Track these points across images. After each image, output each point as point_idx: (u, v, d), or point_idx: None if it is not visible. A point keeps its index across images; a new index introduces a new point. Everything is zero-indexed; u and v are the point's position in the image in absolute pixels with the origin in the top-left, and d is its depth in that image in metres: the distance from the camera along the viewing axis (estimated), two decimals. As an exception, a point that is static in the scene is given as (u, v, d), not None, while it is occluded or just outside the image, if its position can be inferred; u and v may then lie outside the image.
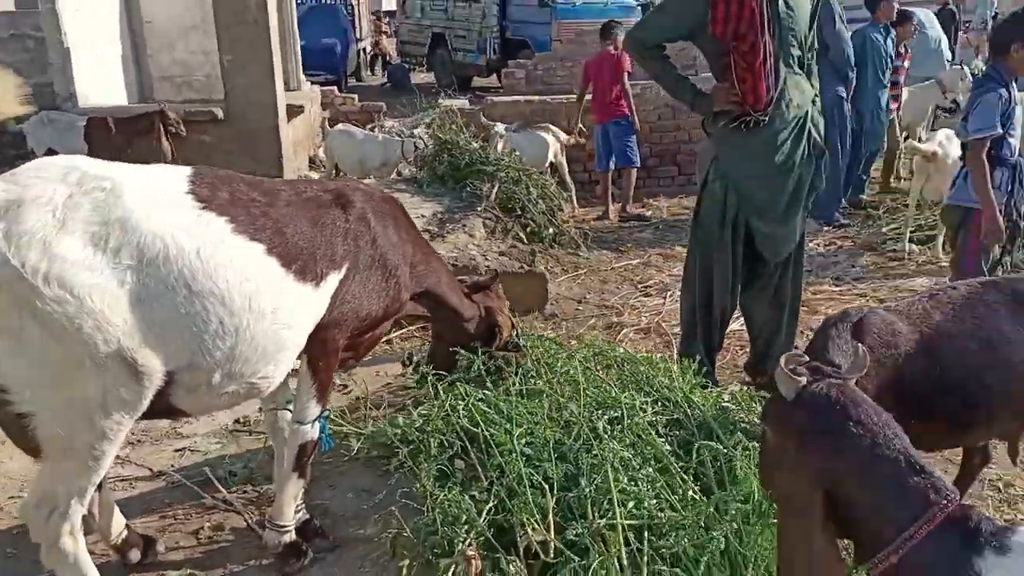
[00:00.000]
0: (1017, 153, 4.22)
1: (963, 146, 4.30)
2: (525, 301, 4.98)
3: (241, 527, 2.62)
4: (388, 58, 19.81)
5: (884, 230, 6.85)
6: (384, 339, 4.19)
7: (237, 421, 3.26)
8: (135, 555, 2.42)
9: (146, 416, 2.06)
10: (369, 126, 9.21)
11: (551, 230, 6.57)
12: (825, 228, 7.06)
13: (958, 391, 2.63)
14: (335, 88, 11.41)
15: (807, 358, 1.79)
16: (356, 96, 11.12)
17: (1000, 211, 4.02)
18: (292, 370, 2.35)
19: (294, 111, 7.99)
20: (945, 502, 1.52)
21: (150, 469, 2.96)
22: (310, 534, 2.50)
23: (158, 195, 2.00)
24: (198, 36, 8.87)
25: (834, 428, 1.61)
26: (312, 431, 2.40)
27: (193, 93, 9.02)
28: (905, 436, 1.70)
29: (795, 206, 3.79)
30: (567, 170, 7.92)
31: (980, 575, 1.44)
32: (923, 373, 2.62)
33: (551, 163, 7.75)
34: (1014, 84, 4.07)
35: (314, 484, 2.64)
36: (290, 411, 2.46)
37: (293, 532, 2.45)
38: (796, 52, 3.61)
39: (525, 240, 6.35)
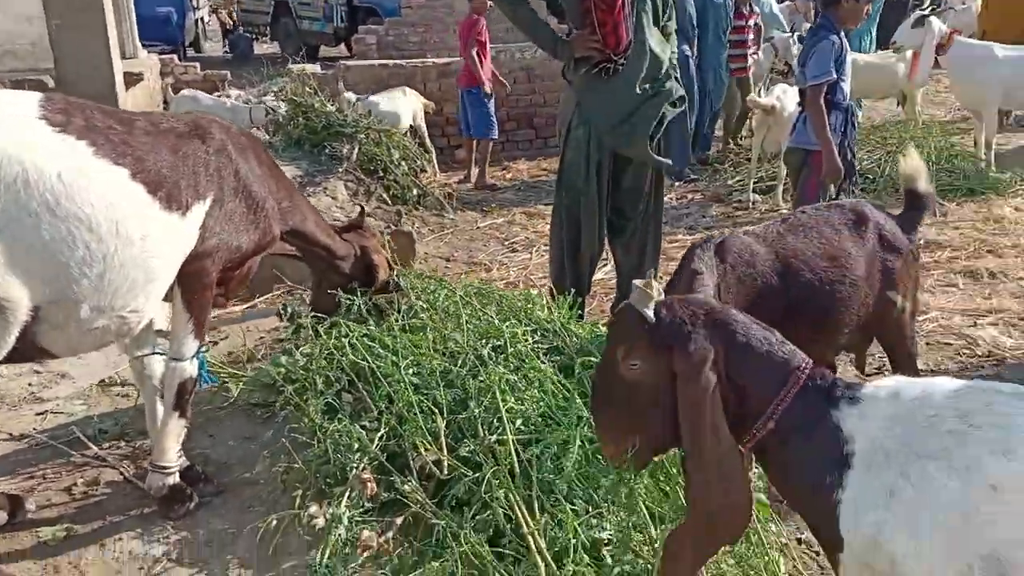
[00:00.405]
0: (848, 98, 4.56)
1: (801, 92, 4.60)
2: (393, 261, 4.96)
3: (117, 481, 2.49)
4: (229, 27, 18.89)
5: (730, 182, 7.25)
6: (248, 304, 4.07)
7: (103, 382, 3.09)
8: (1, 517, 2.26)
9: (9, 359, 1.92)
10: (216, 94, 8.81)
11: (415, 191, 6.55)
12: (676, 183, 7.37)
13: (811, 304, 2.85)
14: (174, 57, 10.83)
15: (656, 284, 1.85)
16: (198, 65, 10.60)
17: (836, 152, 4.35)
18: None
19: (132, 79, 7.55)
20: (804, 365, 1.66)
21: (10, 433, 2.76)
22: (194, 480, 2.42)
23: (9, 120, 1.87)
24: (20, 0, 8.18)
25: (708, 325, 1.69)
26: (191, 368, 2.32)
27: (17, 62, 8.33)
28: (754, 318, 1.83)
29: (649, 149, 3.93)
30: (427, 133, 7.89)
31: (838, 424, 1.59)
32: (780, 289, 2.82)
33: (411, 126, 7.69)
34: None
35: (192, 434, 2.55)
36: (160, 354, 2.36)
37: (177, 475, 2.36)
38: (650, 6, 3.74)
39: (389, 202, 6.29)
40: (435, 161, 7.86)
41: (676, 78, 3.91)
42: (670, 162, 4.07)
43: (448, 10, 10.60)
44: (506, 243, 6.09)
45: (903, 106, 8.44)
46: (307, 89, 7.06)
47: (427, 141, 7.81)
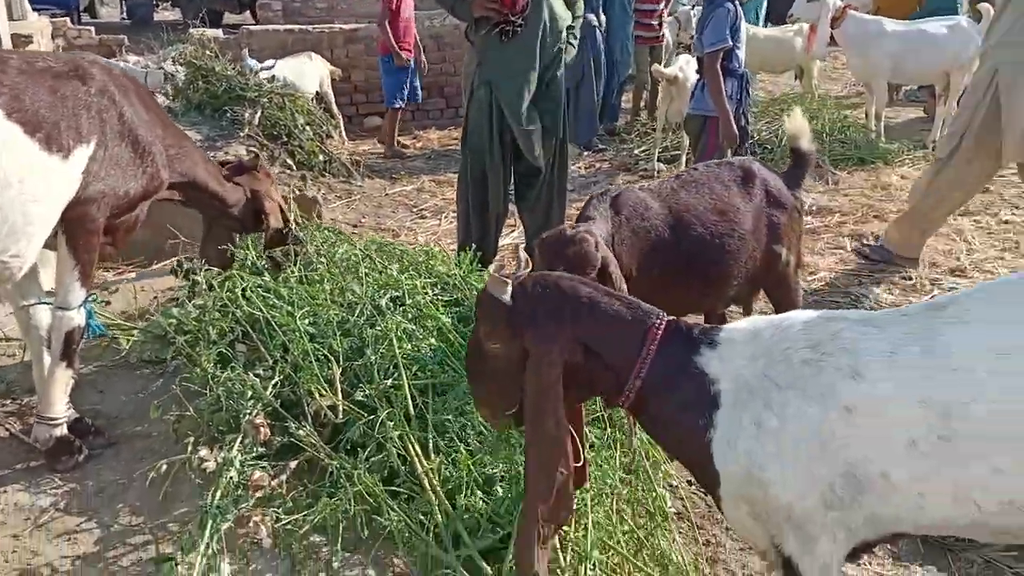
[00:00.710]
0: (744, 65, 4.72)
1: (699, 60, 4.73)
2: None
3: (3, 437, 2.41)
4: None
5: (636, 152, 7.38)
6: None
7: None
8: None
9: None
10: (113, 59, 8.45)
11: (321, 157, 6.45)
12: (585, 153, 7.46)
13: (702, 256, 2.97)
14: (67, 20, 10.32)
15: (523, 255, 1.88)
16: (93, 29, 10.14)
17: (732, 117, 4.50)
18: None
19: (21, 41, 7.17)
20: (659, 321, 1.71)
21: None
22: (83, 432, 2.36)
23: None
24: None
25: (556, 306, 1.71)
26: (78, 317, 2.25)
27: None
28: (600, 285, 1.87)
29: (548, 113, 3.98)
30: (334, 100, 7.76)
31: (702, 368, 1.66)
32: (673, 242, 2.93)
33: (317, 92, 7.55)
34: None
35: (82, 389, 2.48)
36: (47, 303, 2.29)
37: (65, 427, 2.30)
38: None
39: (294, 167, 6.19)
40: (343, 128, 7.75)
41: (573, 43, 3.97)
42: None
43: (356, -22, 10.43)
44: (415, 209, 6.08)
45: (801, 80, 8.74)
46: (208, 53, 6.86)
47: (334, 108, 7.69)
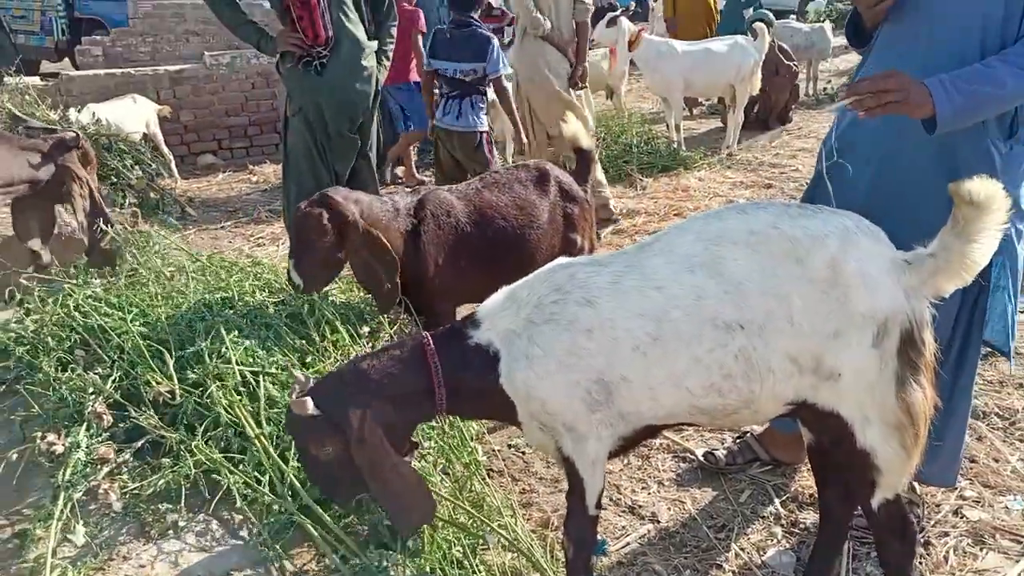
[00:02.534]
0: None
1: (460, 82, 5.08)
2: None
3: None
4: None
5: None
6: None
7: None
8: None
9: None
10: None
11: (152, 195, 6.51)
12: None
13: (506, 246, 3.39)
14: None
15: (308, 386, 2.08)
16: None
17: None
18: None
19: None
20: (425, 340, 2.06)
21: None
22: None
23: None
24: None
25: (350, 392, 2.00)
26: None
27: None
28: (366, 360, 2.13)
29: (354, 140, 4.32)
30: (163, 140, 7.79)
31: (476, 343, 2.03)
32: (479, 234, 3.33)
33: (145, 134, 7.56)
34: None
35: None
36: None
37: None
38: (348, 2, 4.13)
39: (125, 206, 6.22)
40: (174, 167, 7.78)
41: (385, 64, 4.34)
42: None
43: (178, 19, 10.40)
44: (251, 239, 6.25)
45: (612, 99, 9.51)
46: (27, 98, 6.79)
47: (163, 148, 7.71)
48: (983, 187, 1.75)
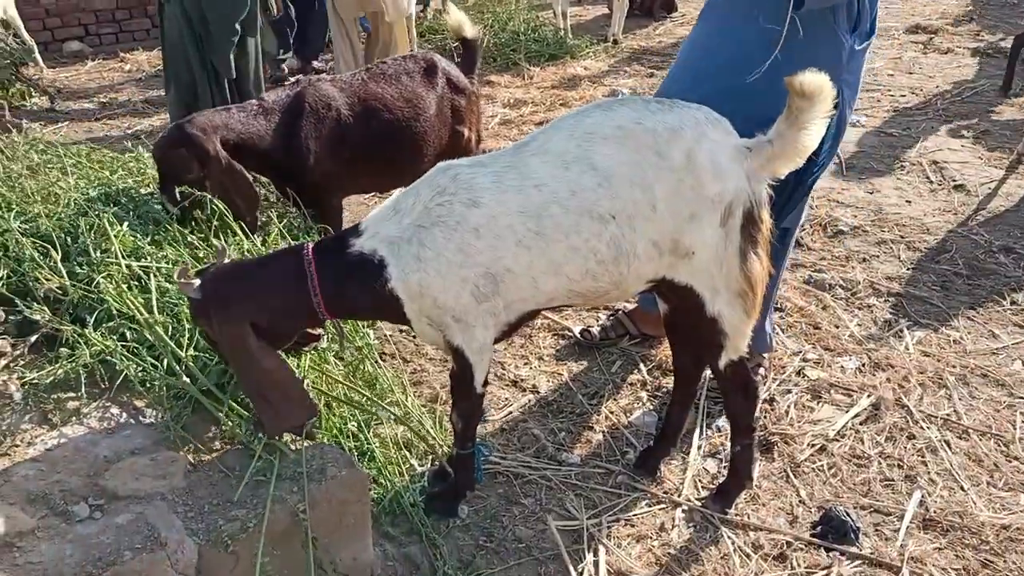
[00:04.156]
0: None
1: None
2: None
3: None
4: None
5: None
6: None
7: None
8: None
9: None
10: None
11: (19, 85, 6.17)
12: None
13: (392, 139, 3.45)
14: None
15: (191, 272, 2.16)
16: None
17: None
18: None
19: None
20: (305, 250, 2.15)
21: None
22: None
23: None
24: None
25: (233, 291, 2.11)
26: None
27: None
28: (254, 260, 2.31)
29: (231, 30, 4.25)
30: (23, 26, 7.29)
31: (359, 251, 2.12)
32: (362, 127, 3.39)
33: (2, 20, 7.05)
34: None
35: None
36: None
37: None
38: None
39: (-11, 97, 5.90)
40: (38, 55, 7.33)
41: None
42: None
43: None
44: (129, 132, 6.04)
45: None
46: None
47: (24, 34, 7.21)
48: (814, 80, 1.96)
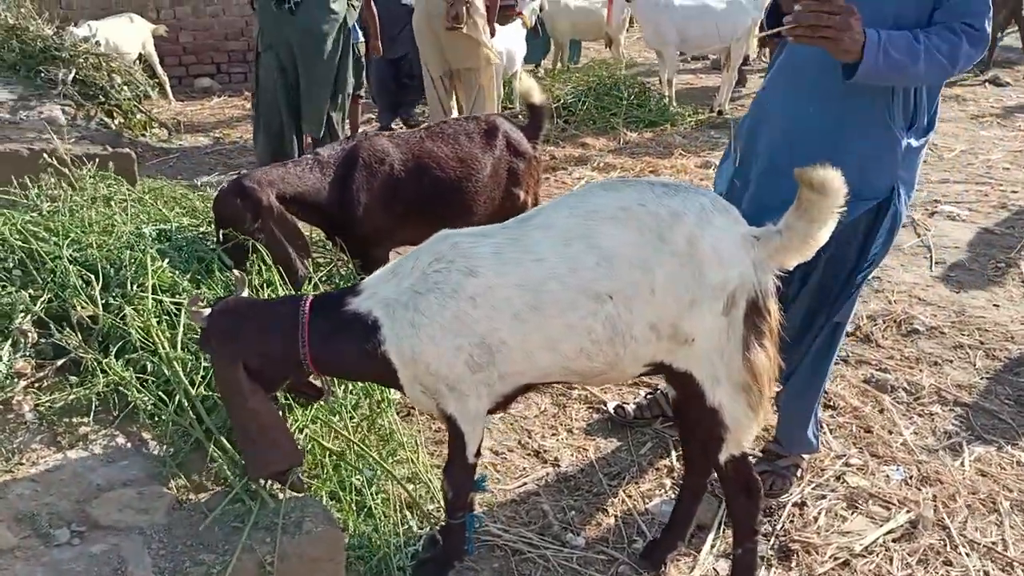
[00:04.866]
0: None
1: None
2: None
3: None
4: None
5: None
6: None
7: None
8: None
9: None
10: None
11: (139, 117, 6.63)
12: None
13: (441, 196, 3.51)
14: None
15: (203, 301, 2.27)
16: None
17: None
18: None
19: None
20: (303, 301, 2.19)
21: None
22: None
23: None
24: None
25: (232, 328, 2.16)
26: None
27: None
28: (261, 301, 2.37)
29: (322, 83, 4.44)
30: (159, 61, 7.88)
31: (355, 311, 2.14)
32: (414, 183, 3.46)
33: (141, 54, 7.65)
34: None
35: None
36: None
37: None
38: None
39: (112, 126, 6.36)
40: (169, 89, 7.89)
41: (355, 5, 4.44)
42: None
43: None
44: (232, 167, 6.38)
45: (611, 48, 9.47)
46: (22, 11, 6.88)
47: (158, 69, 7.82)
48: (823, 174, 1.88)
